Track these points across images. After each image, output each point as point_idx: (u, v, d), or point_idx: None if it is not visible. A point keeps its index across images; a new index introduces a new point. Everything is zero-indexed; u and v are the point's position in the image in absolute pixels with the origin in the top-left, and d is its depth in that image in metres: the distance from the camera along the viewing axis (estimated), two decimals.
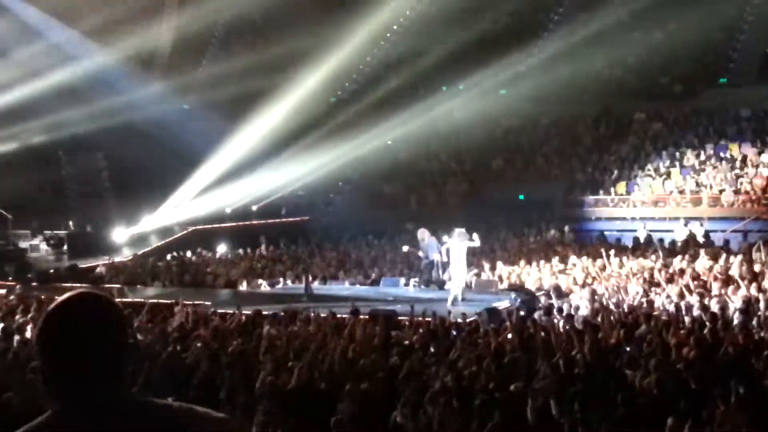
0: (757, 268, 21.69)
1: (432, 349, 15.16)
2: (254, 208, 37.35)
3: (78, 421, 2.48)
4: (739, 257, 23.27)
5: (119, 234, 33.42)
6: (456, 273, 23.20)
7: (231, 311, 19.89)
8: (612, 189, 34.29)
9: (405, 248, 27.39)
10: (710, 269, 22.08)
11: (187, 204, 35.35)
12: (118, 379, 2.66)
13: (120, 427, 2.54)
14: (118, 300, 22.60)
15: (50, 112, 32.48)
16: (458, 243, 23.40)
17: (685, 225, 30.29)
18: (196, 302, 22.02)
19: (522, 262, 26.53)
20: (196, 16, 34.44)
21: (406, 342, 16.03)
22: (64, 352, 2.55)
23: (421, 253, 25.81)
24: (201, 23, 35.00)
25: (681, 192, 33.08)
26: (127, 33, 34.74)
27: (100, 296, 2.83)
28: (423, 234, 25.33)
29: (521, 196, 35.43)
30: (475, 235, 23.73)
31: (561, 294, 21.10)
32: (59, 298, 2.70)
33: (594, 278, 22.30)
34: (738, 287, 18.77)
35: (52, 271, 29.24)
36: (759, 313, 15.99)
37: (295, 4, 37.51)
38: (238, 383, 13.63)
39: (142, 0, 34.75)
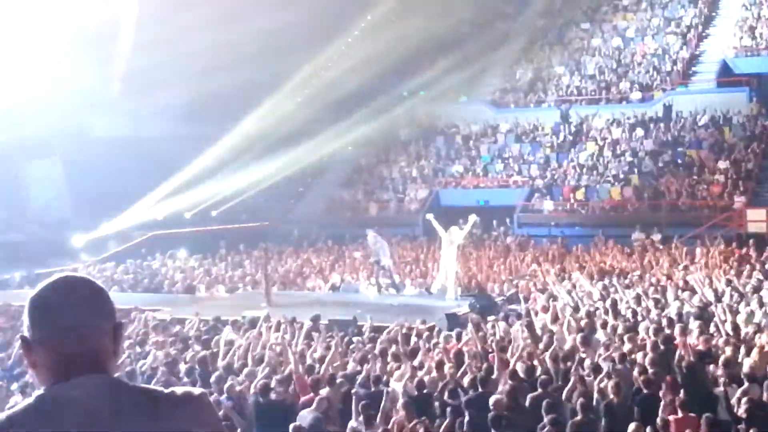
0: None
1: (391, 355, 15.21)
2: (214, 213, 37.24)
3: (69, 401, 2.38)
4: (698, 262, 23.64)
5: (77, 239, 33.24)
6: (448, 269, 23.44)
7: (190, 317, 19.87)
8: (572, 195, 34.54)
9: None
10: (668, 276, 22.31)
11: (147, 209, 35.21)
12: (111, 359, 2.59)
13: (113, 406, 2.42)
14: None
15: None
16: (452, 240, 23.72)
17: (642, 231, 30.57)
18: (154, 308, 22.00)
19: (483, 267, 26.72)
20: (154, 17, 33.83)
21: (366, 348, 16.09)
22: (57, 323, 2.45)
23: (372, 258, 25.89)
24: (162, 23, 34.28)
25: (639, 198, 33.40)
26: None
27: (86, 278, 2.70)
28: (375, 238, 25.36)
29: (481, 202, 35.53)
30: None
31: (523, 299, 21.19)
32: (47, 280, 2.57)
33: (554, 283, 22.41)
34: (695, 293, 18.98)
35: (7, 276, 29.05)
36: (715, 319, 16.12)
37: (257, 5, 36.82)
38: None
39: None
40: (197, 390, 2.69)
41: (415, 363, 14.64)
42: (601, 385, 12.45)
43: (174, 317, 20.51)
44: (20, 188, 32.60)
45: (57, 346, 2.42)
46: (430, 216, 25.73)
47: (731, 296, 18.45)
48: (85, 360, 2.47)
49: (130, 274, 29.41)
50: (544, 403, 11.82)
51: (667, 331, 15.25)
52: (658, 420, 10.88)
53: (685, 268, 23.34)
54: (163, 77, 33.08)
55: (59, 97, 31.90)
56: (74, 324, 2.48)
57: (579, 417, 11.26)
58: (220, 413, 12.05)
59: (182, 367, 15.08)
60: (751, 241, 26.56)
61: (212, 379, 14.22)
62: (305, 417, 11.80)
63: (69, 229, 33.34)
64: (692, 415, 11.14)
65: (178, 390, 2.59)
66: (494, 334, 16.59)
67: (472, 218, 25.08)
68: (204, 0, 32.90)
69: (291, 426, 11.30)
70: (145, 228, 34.89)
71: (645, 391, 11.95)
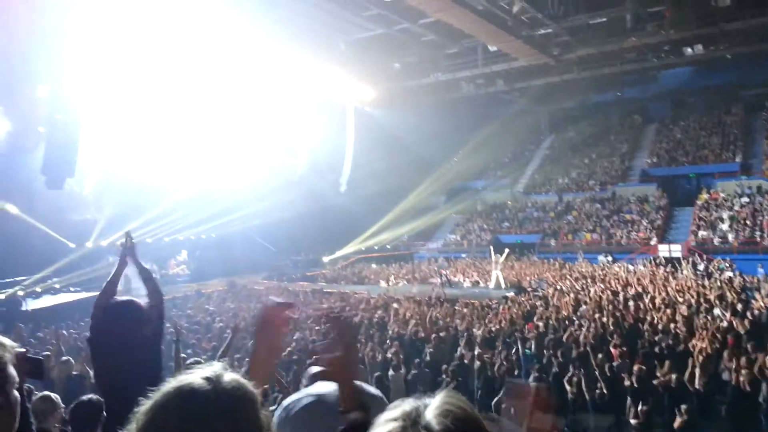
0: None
1: (475, 316, 15.06)
2: (389, 246, 37.25)
3: None
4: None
5: (325, 258, 33.85)
6: (498, 274, 23.29)
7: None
8: (565, 237, 33.57)
9: None
10: (617, 278, 21.43)
11: (355, 245, 35.63)
12: None
13: None
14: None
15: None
16: (497, 260, 23.33)
17: (604, 256, 29.45)
18: (358, 292, 22.12)
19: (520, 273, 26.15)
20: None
21: (464, 311, 15.97)
22: None
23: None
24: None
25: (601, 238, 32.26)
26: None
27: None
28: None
29: (518, 240, 34.82)
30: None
31: (541, 289, 20.67)
32: None
33: (557, 281, 21.77)
34: (631, 286, 18.23)
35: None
36: (646, 300, 15.39)
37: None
38: None
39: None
40: None
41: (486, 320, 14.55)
42: (582, 333, 12.13)
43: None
44: (286, 234, 32.58)
45: None
46: (490, 247, 25.32)
47: (653, 289, 17.66)
48: None
49: (347, 272, 29.79)
50: (552, 342, 11.57)
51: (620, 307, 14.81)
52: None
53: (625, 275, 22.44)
54: (362, 177, 32.53)
55: (312, 189, 32.15)
56: None
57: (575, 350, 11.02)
58: None
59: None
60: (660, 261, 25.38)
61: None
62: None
63: (320, 253, 33.88)
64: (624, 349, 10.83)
65: None
66: (527, 306, 16.25)
67: (506, 250, 24.59)
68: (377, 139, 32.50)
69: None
70: (355, 253, 35.39)
71: (608, 338, 11.62)
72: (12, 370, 1.29)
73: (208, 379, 1.05)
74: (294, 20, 24.02)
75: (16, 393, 1.32)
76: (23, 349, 1.41)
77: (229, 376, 1.08)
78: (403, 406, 0.98)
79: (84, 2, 16.22)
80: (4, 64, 15.52)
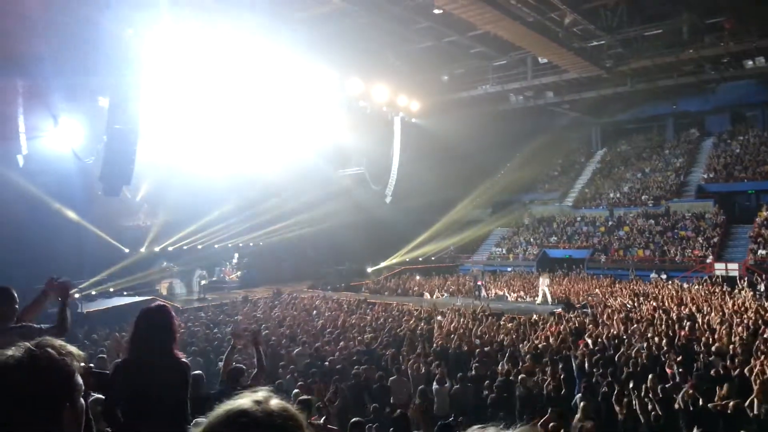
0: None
1: (521, 332, 14.75)
2: (433, 258, 36.99)
3: None
4: None
5: (369, 268, 33.78)
6: (546, 290, 22.94)
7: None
8: (616, 253, 32.64)
9: None
10: (670, 297, 20.67)
11: (399, 257, 35.50)
12: None
13: None
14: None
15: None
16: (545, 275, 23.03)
17: (656, 273, 28.47)
18: (404, 303, 22.01)
19: (569, 288, 25.53)
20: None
21: (509, 327, 15.70)
22: None
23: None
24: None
25: (653, 255, 31.20)
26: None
27: None
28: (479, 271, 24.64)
29: (567, 256, 34.11)
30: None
31: (590, 306, 20.12)
32: None
33: (606, 298, 21.16)
34: (685, 306, 17.56)
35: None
36: (698, 320, 14.79)
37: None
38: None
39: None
40: None
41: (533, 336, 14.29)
42: (634, 352, 11.80)
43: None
44: (331, 244, 32.65)
45: None
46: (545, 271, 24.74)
47: (708, 308, 16.98)
48: None
49: (391, 283, 29.70)
50: (601, 361, 11.27)
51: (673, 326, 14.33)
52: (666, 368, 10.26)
53: (678, 293, 21.63)
54: (408, 189, 32.29)
55: (358, 200, 31.84)
56: None
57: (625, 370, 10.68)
58: None
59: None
60: (716, 280, 24.39)
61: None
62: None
63: (364, 263, 33.83)
64: (681, 370, 10.43)
65: None
66: (575, 323, 15.87)
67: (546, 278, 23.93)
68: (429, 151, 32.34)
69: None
70: (399, 264, 35.21)
71: (662, 358, 11.23)
72: (79, 379, 1.36)
73: (257, 402, 1.12)
74: (345, 35, 24.32)
75: (81, 401, 1.38)
76: (90, 365, 1.47)
77: (276, 400, 1.15)
78: None
79: (141, 21, 16.79)
80: (70, 76, 16.23)
